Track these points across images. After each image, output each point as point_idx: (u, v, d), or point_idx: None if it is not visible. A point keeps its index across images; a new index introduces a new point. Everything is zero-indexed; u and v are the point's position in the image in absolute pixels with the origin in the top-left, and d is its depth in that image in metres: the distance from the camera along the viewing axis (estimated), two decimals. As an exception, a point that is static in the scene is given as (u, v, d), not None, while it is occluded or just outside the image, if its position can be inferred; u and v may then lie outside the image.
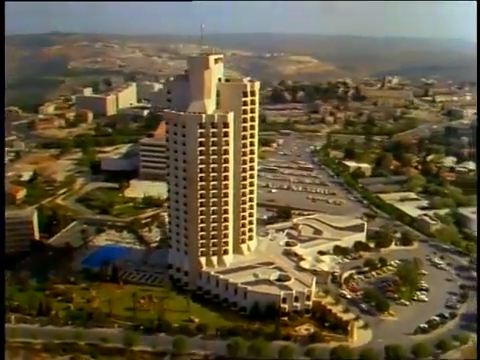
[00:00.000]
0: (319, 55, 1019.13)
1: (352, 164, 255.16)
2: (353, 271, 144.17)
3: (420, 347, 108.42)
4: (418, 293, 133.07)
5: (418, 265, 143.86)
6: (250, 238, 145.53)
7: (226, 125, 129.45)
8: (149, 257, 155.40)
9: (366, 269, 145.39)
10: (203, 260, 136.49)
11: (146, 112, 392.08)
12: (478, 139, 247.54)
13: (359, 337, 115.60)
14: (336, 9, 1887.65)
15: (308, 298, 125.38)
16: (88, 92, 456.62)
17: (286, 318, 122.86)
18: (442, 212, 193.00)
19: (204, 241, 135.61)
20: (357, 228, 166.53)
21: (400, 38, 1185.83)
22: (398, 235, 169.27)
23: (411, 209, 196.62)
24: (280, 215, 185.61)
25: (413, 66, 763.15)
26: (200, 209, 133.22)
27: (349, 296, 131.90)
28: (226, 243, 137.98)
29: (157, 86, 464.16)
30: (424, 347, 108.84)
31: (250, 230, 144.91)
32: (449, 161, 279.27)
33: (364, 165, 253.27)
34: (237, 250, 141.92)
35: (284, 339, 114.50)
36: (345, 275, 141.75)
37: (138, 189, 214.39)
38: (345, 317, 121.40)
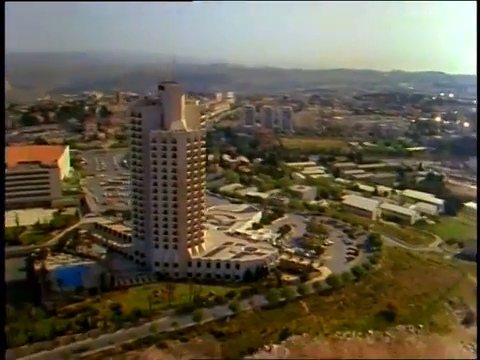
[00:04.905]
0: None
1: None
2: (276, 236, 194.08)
3: (366, 264, 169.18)
4: (325, 240, 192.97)
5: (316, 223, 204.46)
6: (204, 227, 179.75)
7: (203, 138, 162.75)
8: (112, 266, 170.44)
9: (280, 234, 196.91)
10: (190, 250, 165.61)
11: None
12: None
13: (324, 271, 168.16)
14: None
15: (276, 257, 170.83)
16: None
17: (269, 275, 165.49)
18: (275, 192, 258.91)
19: (190, 235, 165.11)
20: (251, 210, 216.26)
21: (62, 53, 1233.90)
22: (270, 211, 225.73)
23: (255, 194, 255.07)
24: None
25: (86, 81, 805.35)
26: (188, 208, 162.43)
27: (292, 251, 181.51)
28: (202, 233, 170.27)
29: None
30: (367, 264, 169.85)
31: (204, 221, 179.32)
32: (227, 157, 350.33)
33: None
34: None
35: (287, 285, 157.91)
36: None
37: (15, 218, 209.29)
38: (306, 262, 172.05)
